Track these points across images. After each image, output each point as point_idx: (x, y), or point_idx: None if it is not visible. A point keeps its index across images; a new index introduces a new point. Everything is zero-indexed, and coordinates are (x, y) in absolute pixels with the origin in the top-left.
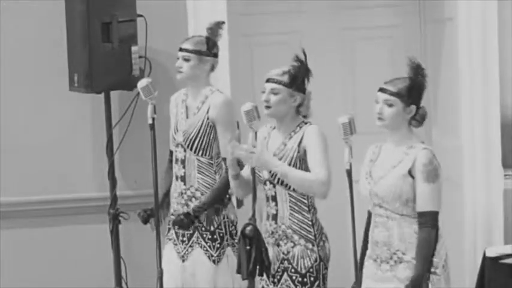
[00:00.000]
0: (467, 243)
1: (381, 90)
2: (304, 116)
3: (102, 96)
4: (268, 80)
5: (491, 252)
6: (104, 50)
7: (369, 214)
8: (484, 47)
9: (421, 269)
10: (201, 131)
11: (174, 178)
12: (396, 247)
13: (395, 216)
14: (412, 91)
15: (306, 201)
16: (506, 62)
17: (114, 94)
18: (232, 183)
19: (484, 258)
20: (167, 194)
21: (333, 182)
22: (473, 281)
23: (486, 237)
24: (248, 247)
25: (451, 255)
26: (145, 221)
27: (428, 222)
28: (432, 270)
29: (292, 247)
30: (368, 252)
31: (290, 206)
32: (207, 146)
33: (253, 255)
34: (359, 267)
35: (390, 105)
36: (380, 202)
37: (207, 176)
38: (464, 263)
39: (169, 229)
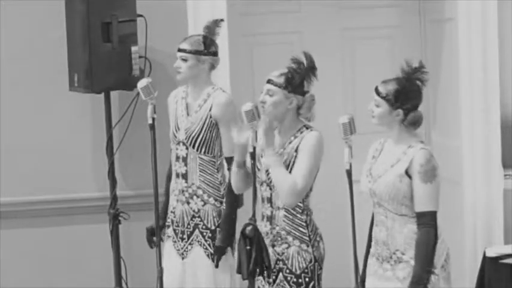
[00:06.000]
0: (467, 243)
1: (375, 89)
2: (307, 119)
3: (102, 96)
4: (267, 81)
5: (491, 252)
6: (104, 50)
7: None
8: (484, 47)
9: (420, 270)
10: (204, 129)
11: (174, 175)
12: (395, 247)
13: (393, 215)
14: (399, 96)
15: (300, 203)
16: (506, 62)
17: (114, 94)
18: (234, 174)
19: (484, 258)
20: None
21: (333, 183)
22: (473, 281)
23: (486, 237)
24: (248, 247)
25: (451, 255)
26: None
27: (427, 222)
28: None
29: (287, 248)
30: (371, 250)
31: (285, 208)
32: (209, 144)
33: (254, 255)
34: (363, 267)
35: (377, 106)
36: (378, 200)
37: (209, 174)
38: (464, 263)
39: (168, 226)
